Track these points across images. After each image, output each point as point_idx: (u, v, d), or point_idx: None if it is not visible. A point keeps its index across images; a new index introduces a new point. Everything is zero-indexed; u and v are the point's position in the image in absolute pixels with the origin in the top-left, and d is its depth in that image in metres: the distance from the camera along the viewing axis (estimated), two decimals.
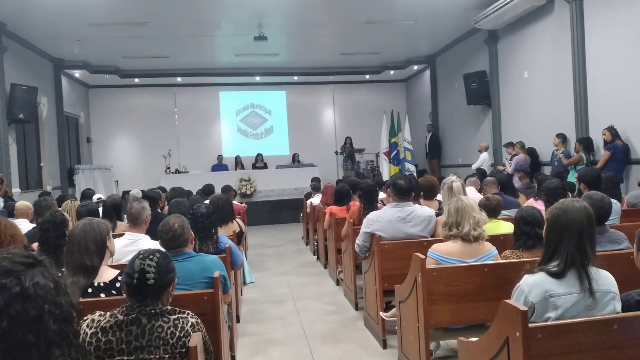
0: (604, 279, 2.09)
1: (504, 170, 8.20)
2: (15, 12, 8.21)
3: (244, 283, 6.08)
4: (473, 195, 4.94)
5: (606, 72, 6.98)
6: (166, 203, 5.95)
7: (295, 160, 14.28)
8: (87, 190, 7.08)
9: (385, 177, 11.66)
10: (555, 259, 2.06)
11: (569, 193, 5.47)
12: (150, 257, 2.02)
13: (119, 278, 2.49)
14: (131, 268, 2.00)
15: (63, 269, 2.60)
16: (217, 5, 8.53)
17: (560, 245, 2.05)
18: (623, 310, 2.11)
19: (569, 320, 1.95)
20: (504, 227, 3.80)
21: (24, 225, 4.52)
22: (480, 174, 7.55)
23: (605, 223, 3.22)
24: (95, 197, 6.52)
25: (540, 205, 4.00)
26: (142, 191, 6.44)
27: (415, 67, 13.94)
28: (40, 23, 8.79)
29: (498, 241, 3.33)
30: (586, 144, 7.07)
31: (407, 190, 3.94)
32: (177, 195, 6.04)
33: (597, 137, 6.98)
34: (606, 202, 3.12)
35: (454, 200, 3.14)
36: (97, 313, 1.97)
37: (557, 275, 2.03)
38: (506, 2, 8.06)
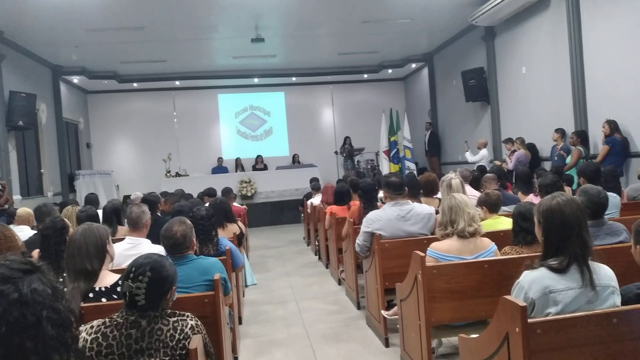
0: (604, 274, 2.08)
1: (501, 165, 8.20)
2: (13, 19, 8.22)
3: (246, 285, 6.09)
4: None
5: (604, 65, 6.97)
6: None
7: (295, 161, 14.29)
8: (91, 195, 6.99)
9: None
10: (559, 255, 2.04)
11: (569, 187, 5.47)
12: (140, 277, 1.96)
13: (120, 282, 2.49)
14: (122, 285, 1.99)
15: (64, 274, 2.60)
16: (213, 8, 8.54)
17: (564, 242, 2.04)
18: (622, 303, 2.10)
19: (568, 315, 1.94)
20: (505, 223, 3.79)
21: (25, 232, 4.51)
22: (480, 170, 7.56)
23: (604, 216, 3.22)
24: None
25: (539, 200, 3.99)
26: (143, 194, 6.43)
27: (413, 65, 13.94)
28: (37, 30, 8.81)
29: (498, 237, 3.32)
30: (583, 136, 7.09)
31: (400, 184, 3.99)
32: (178, 200, 6.03)
33: (597, 130, 6.98)
34: (602, 196, 3.13)
35: (447, 198, 3.14)
36: (95, 321, 1.98)
37: (559, 270, 2.02)
38: None
